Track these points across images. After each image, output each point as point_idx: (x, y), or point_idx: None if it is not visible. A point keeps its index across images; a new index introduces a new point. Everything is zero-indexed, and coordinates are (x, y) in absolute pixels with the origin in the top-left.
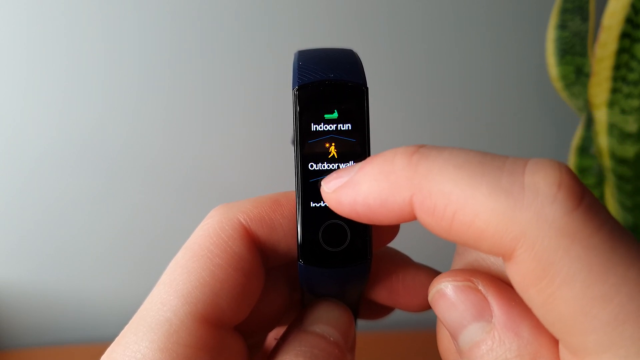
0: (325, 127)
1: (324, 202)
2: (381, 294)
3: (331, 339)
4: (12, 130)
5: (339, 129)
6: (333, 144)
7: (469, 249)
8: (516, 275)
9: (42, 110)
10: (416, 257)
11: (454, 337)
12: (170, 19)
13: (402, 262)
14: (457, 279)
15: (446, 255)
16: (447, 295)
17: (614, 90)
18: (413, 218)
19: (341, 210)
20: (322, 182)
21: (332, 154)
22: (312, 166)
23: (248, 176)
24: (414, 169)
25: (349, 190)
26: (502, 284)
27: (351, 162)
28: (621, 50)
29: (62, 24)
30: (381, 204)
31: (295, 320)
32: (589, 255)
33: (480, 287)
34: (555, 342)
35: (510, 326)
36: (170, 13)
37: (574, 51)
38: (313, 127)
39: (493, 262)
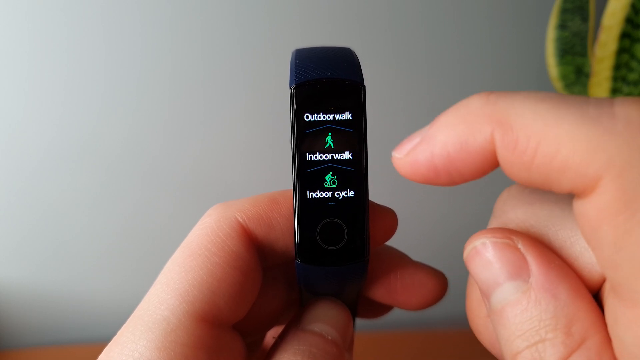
0: (322, 118)
1: (321, 193)
2: (379, 293)
3: (329, 337)
4: (12, 130)
5: (335, 120)
6: (330, 133)
7: (507, 210)
8: (592, 209)
9: (42, 110)
10: (414, 256)
11: (486, 295)
12: (170, 18)
13: (400, 260)
14: (496, 235)
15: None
16: (483, 252)
17: (614, 91)
18: (495, 162)
19: (417, 171)
20: (393, 151)
21: (328, 144)
22: (308, 156)
23: (247, 176)
24: (493, 104)
25: (425, 145)
26: (541, 245)
27: (348, 153)
28: (621, 50)
29: (63, 24)
30: (461, 148)
31: (293, 319)
32: None
33: (519, 246)
34: (592, 307)
35: (548, 287)
36: (170, 13)
37: (574, 51)
38: (310, 118)
39: (532, 224)
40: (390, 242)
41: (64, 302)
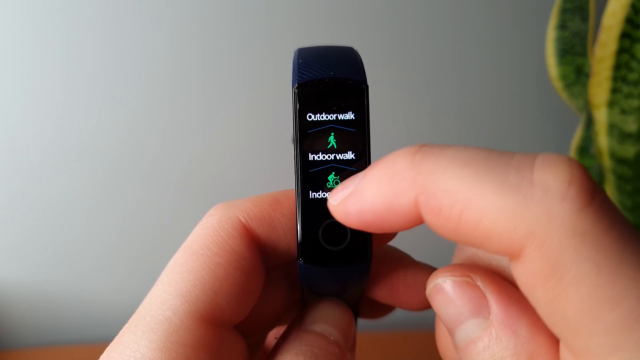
0: (325, 118)
1: (323, 193)
2: (382, 293)
3: (331, 338)
4: (12, 130)
5: (338, 119)
6: (332, 133)
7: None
8: (523, 274)
9: (42, 110)
10: (417, 256)
11: (450, 332)
12: (170, 18)
13: (402, 260)
14: (455, 273)
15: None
16: (445, 290)
17: (614, 90)
18: (421, 221)
19: (350, 221)
20: (329, 197)
21: (331, 144)
22: (311, 156)
23: (248, 175)
24: (417, 168)
25: (354, 199)
26: (501, 281)
27: (350, 153)
28: (621, 50)
29: (63, 24)
30: (387, 209)
31: (295, 320)
32: (599, 255)
33: (478, 283)
34: (553, 341)
35: (507, 323)
36: (170, 13)
37: (574, 51)
38: (313, 117)
39: (493, 257)
40: (393, 243)
41: (64, 302)
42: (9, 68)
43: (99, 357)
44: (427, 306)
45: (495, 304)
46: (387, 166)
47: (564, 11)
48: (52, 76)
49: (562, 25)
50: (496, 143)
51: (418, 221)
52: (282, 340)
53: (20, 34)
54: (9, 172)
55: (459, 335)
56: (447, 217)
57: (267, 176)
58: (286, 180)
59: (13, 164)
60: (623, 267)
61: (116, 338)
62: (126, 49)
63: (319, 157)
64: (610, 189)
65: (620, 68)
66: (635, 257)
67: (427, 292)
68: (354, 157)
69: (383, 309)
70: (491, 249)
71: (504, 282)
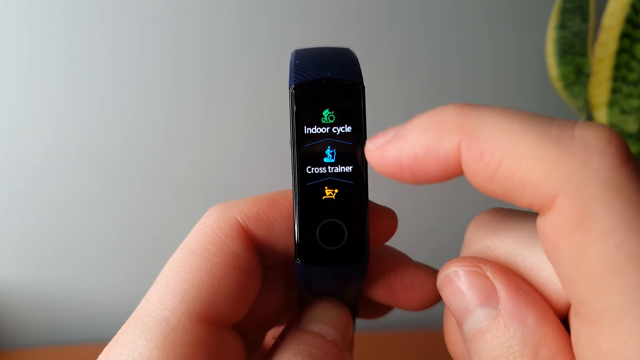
0: (322, 130)
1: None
2: (379, 293)
3: (329, 338)
4: (12, 130)
5: (336, 131)
6: (329, 147)
7: (477, 239)
8: (551, 227)
9: (42, 110)
10: (414, 256)
11: (459, 323)
12: (170, 18)
13: (400, 260)
14: (465, 264)
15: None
16: (455, 281)
17: (614, 91)
18: (458, 170)
19: (384, 165)
20: (367, 142)
21: (329, 157)
22: (309, 170)
23: (247, 176)
24: (465, 116)
25: (396, 143)
26: (510, 272)
27: (349, 165)
28: (621, 50)
29: (63, 24)
30: (428, 153)
31: (293, 319)
32: (630, 211)
33: (488, 273)
34: (560, 332)
35: (515, 313)
36: (170, 13)
37: (574, 51)
38: (309, 130)
39: (501, 252)
40: (390, 243)
41: (64, 302)
42: (9, 68)
43: (98, 357)
44: (425, 306)
45: (504, 293)
46: (434, 114)
47: (564, 11)
48: (52, 76)
49: (562, 25)
50: None
51: (455, 170)
52: (280, 340)
53: (20, 34)
54: (9, 172)
55: (467, 325)
56: (488, 162)
57: (267, 176)
58: (285, 180)
59: (13, 163)
60: None
61: (114, 337)
62: (126, 49)
63: (316, 170)
64: None
65: (620, 68)
66: None
67: (438, 283)
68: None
69: (381, 309)
70: (525, 198)
71: (513, 274)
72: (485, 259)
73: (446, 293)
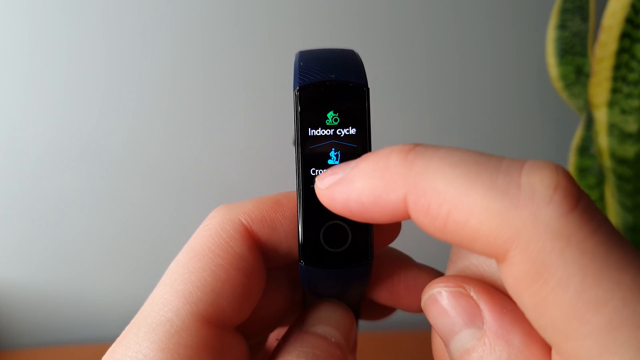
0: (326, 132)
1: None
2: (382, 295)
3: (332, 339)
4: (12, 130)
5: (340, 133)
6: (334, 149)
7: (462, 256)
8: (509, 277)
9: (42, 110)
10: (418, 258)
11: (445, 343)
12: (170, 19)
13: (403, 262)
14: (448, 284)
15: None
16: (439, 301)
17: (614, 90)
18: (407, 217)
19: (334, 207)
20: (317, 179)
21: (333, 159)
22: (313, 172)
23: (249, 176)
24: (409, 166)
25: (343, 187)
26: (494, 291)
27: (352, 155)
28: (621, 50)
29: (63, 24)
30: (374, 202)
31: (296, 321)
32: (584, 258)
33: (472, 294)
34: (546, 351)
35: (501, 333)
36: (170, 13)
37: (574, 51)
38: (314, 132)
39: (486, 269)
40: (394, 245)
41: (64, 302)
42: (9, 68)
43: (99, 358)
44: None
45: (488, 313)
46: (380, 160)
47: (564, 11)
48: (52, 76)
49: (562, 25)
50: (496, 143)
51: (403, 217)
52: (283, 342)
53: (20, 34)
54: (9, 172)
55: (453, 346)
56: (435, 215)
57: (268, 177)
58: (287, 181)
59: (13, 163)
60: (607, 270)
61: (118, 339)
62: (126, 49)
63: (320, 172)
64: (610, 189)
65: (621, 68)
66: (620, 259)
67: (422, 303)
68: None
69: (384, 311)
70: (477, 249)
71: (497, 293)
72: (469, 277)
73: (431, 314)
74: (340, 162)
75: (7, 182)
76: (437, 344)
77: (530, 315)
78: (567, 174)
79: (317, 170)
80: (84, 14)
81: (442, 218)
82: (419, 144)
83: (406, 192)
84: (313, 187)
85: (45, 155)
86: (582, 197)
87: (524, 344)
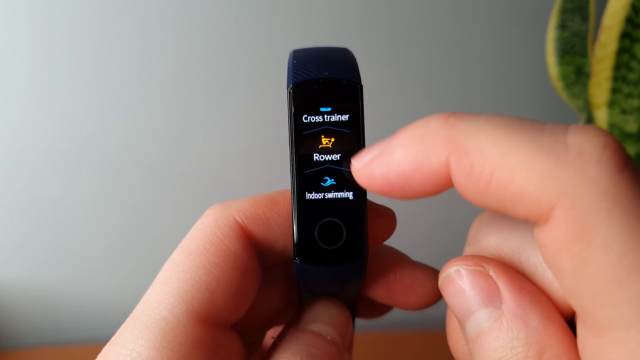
0: (320, 119)
1: (319, 194)
2: (379, 293)
3: (328, 337)
4: (12, 130)
5: (333, 120)
6: (327, 134)
7: (480, 238)
8: (549, 239)
9: (42, 110)
10: (414, 256)
11: (461, 323)
12: (169, 19)
13: (399, 260)
14: (468, 263)
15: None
16: (457, 280)
17: (614, 90)
18: (449, 184)
19: (373, 184)
20: (352, 160)
21: (326, 145)
22: (306, 157)
23: (249, 176)
24: (451, 128)
25: (382, 160)
26: (513, 272)
27: (346, 154)
28: (621, 50)
29: (63, 24)
30: (416, 169)
31: (292, 319)
32: (631, 220)
33: (491, 273)
34: (565, 333)
35: (519, 314)
36: (170, 13)
37: (574, 51)
38: (307, 119)
39: (505, 251)
40: (389, 242)
41: (64, 302)
42: (9, 68)
43: (97, 357)
44: (424, 306)
45: (507, 293)
46: (419, 127)
47: (564, 11)
48: (52, 76)
49: (562, 25)
50: None
51: (446, 184)
52: (279, 340)
53: (20, 34)
54: (9, 172)
55: (469, 325)
56: (478, 176)
57: (267, 176)
58: (284, 180)
59: (13, 163)
60: None
61: (113, 337)
62: (126, 49)
63: (314, 157)
64: None
65: (621, 68)
66: None
67: (440, 282)
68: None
69: (380, 309)
70: (520, 210)
71: (517, 273)
72: (488, 257)
73: (448, 292)
74: (333, 152)
75: (7, 182)
76: (452, 327)
77: (567, 280)
78: (614, 137)
79: (310, 168)
80: (84, 14)
81: (486, 178)
82: (456, 112)
83: (448, 153)
84: (307, 178)
85: (45, 155)
86: (629, 160)
87: (542, 325)
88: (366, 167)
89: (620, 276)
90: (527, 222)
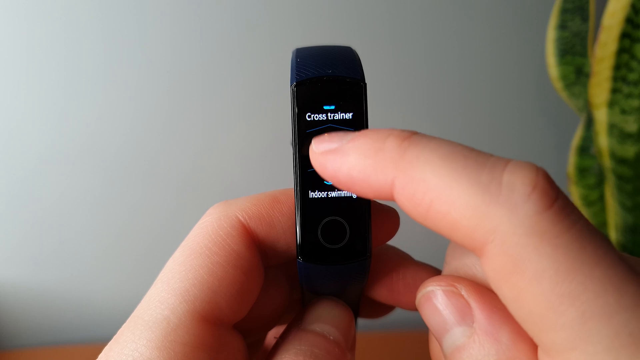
0: (324, 117)
1: (322, 193)
2: (381, 293)
3: (331, 337)
4: (12, 130)
5: (337, 118)
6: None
7: (456, 257)
8: (489, 270)
9: (42, 110)
10: (417, 256)
11: (439, 340)
12: (169, 18)
13: (402, 260)
14: (441, 283)
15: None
16: (432, 299)
17: (614, 90)
18: (390, 198)
19: (323, 174)
20: (313, 140)
21: None
22: (311, 169)
23: (247, 175)
24: (402, 153)
25: (336, 157)
26: (485, 290)
27: None
28: (621, 50)
29: (62, 24)
30: (363, 179)
31: (295, 319)
32: (557, 253)
33: (463, 292)
34: (533, 348)
35: (490, 331)
36: (170, 13)
37: (574, 51)
38: (311, 117)
39: (479, 270)
40: (393, 242)
41: (64, 302)
42: (9, 68)
43: (98, 357)
44: None
45: (478, 312)
46: (377, 141)
47: (564, 11)
48: (51, 76)
49: (562, 25)
50: (496, 143)
51: (388, 197)
52: (282, 340)
53: (19, 34)
54: (9, 172)
55: (445, 343)
56: (419, 202)
57: (267, 176)
58: (285, 179)
59: (13, 164)
60: (580, 264)
61: (115, 337)
62: (126, 49)
63: None
64: (610, 189)
65: (620, 68)
66: (592, 254)
67: (417, 301)
68: None
69: (383, 309)
70: (457, 240)
71: (488, 292)
72: (461, 277)
73: (425, 311)
74: None
75: (7, 182)
76: (433, 344)
77: (511, 307)
78: (546, 175)
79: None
80: (84, 14)
81: (425, 206)
82: (416, 133)
83: (395, 176)
84: (310, 176)
85: (45, 155)
86: (559, 196)
87: (512, 341)
88: (322, 155)
89: (554, 304)
90: None
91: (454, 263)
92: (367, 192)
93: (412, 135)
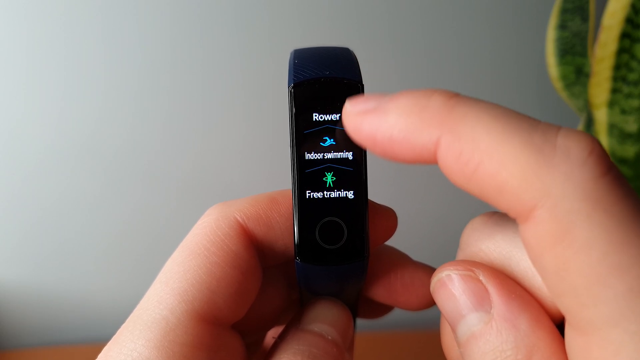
0: (321, 118)
1: (320, 193)
2: (380, 293)
3: (329, 337)
4: (12, 130)
5: (335, 119)
6: (329, 133)
7: (472, 243)
8: (532, 237)
9: (42, 110)
10: (415, 256)
11: (452, 327)
12: (169, 18)
13: (400, 260)
14: (458, 268)
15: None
16: (447, 284)
17: (614, 91)
18: (432, 160)
19: (358, 136)
20: (347, 101)
21: (327, 144)
22: (307, 156)
23: (247, 176)
24: (450, 109)
25: (374, 117)
26: (503, 276)
27: (347, 152)
28: (621, 50)
29: (62, 24)
30: (404, 139)
31: (293, 319)
32: (611, 222)
33: (480, 277)
34: (553, 336)
35: (508, 317)
36: (170, 13)
37: (574, 51)
38: (309, 117)
39: (496, 256)
40: (390, 242)
41: (64, 302)
42: (9, 68)
43: (98, 357)
44: (425, 306)
45: (497, 297)
46: (420, 98)
47: (564, 11)
48: (51, 76)
49: (562, 25)
50: None
51: (430, 159)
52: (280, 340)
53: (20, 34)
54: (9, 172)
55: (460, 329)
56: (466, 162)
57: (267, 176)
58: (285, 180)
59: (13, 163)
60: (634, 236)
61: (114, 337)
62: (126, 49)
63: (315, 157)
64: None
65: (621, 68)
66: None
67: (431, 287)
68: (350, 157)
69: (381, 309)
70: (502, 203)
71: (506, 278)
72: (478, 262)
73: (439, 297)
74: (335, 150)
75: (7, 182)
76: (445, 333)
77: (550, 280)
78: (600, 144)
79: (311, 156)
80: (84, 14)
81: (473, 166)
82: (459, 94)
83: (440, 134)
84: (308, 177)
85: (45, 155)
86: (613, 166)
87: (531, 328)
88: (357, 116)
89: (602, 276)
90: (516, 228)
91: (470, 249)
92: (407, 154)
93: (457, 94)
